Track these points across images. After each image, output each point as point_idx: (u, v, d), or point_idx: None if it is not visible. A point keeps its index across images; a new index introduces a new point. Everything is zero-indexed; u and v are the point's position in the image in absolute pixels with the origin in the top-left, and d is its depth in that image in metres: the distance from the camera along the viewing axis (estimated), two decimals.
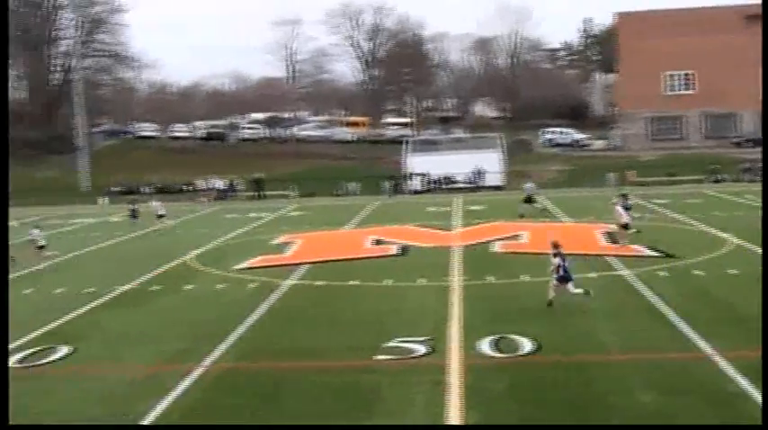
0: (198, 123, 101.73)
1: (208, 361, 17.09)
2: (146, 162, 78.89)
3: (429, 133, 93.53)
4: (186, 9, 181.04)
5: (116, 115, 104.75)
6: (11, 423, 13.23)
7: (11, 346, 18.53)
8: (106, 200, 63.15)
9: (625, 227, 30.00)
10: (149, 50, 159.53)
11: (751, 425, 13.08)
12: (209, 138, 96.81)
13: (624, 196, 34.12)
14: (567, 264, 20.49)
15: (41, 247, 32.24)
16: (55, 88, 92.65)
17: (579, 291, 20.35)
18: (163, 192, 66.69)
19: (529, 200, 42.52)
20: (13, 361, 17.51)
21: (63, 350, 18.30)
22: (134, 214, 44.26)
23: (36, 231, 32.93)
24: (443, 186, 63.76)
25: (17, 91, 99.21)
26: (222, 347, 18.06)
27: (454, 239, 33.83)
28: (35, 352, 18.21)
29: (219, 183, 65.60)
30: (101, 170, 72.84)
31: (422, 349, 17.21)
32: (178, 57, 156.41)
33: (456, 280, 24.85)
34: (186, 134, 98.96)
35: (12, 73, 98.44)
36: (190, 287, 25.76)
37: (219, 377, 16.14)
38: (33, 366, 17.27)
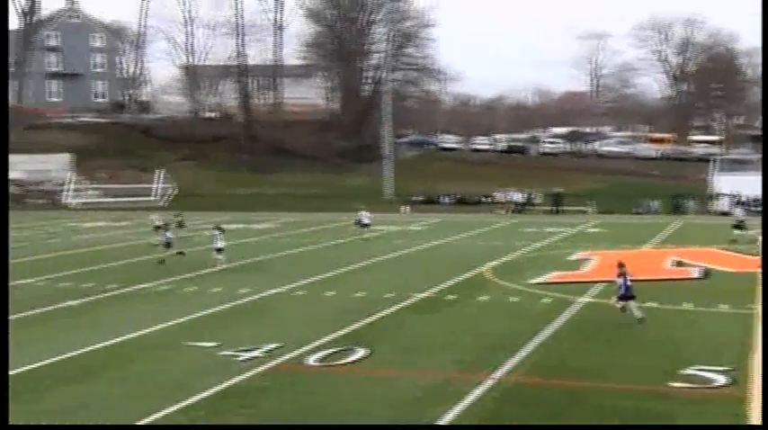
0: (499, 136, 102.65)
1: (499, 372, 17.12)
2: (446, 173, 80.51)
3: (739, 152, 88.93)
4: (492, 23, 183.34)
5: (421, 126, 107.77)
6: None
7: (313, 345, 19.52)
8: (408, 208, 65.03)
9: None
10: (455, 63, 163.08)
11: (751, 424, 13.01)
12: (510, 150, 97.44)
13: None
14: (628, 284, 21.14)
15: (220, 250, 33.60)
16: (365, 99, 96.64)
17: (639, 314, 21.22)
18: (462, 202, 67.83)
19: (739, 226, 40.67)
20: (313, 359, 18.40)
21: (360, 352, 18.97)
22: (360, 222, 45.30)
23: (217, 233, 34.22)
24: (752, 209, 60.36)
25: (331, 102, 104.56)
26: (514, 360, 18.04)
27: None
28: (334, 352, 18.99)
29: (518, 196, 65.74)
30: (404, 179, 75.07)
31: (722, 379, 16.35)
32: (482, 70, 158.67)
33: (762, 308, 23.42)
34: (487, 146, 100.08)
35: (326, 84, 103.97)
36: (484, 298, 25.98)
37: (509, 389, 16.11)
38: (332, 366, 18.02)
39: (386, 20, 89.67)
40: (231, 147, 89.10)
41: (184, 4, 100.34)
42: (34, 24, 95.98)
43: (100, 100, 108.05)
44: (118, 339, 20.59)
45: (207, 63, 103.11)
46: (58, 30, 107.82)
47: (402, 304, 25.02)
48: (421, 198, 69.39)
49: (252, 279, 30.27)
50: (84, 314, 24.50)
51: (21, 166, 78.11)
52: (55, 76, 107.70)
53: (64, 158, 79.53)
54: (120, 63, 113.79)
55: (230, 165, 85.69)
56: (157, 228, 39.41)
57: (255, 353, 18.78)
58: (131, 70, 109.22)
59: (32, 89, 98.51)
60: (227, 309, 24.76)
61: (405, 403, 15.35)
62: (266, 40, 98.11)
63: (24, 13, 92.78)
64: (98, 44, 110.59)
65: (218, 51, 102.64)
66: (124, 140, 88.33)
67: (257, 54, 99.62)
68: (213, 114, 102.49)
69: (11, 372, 17.45)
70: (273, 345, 19.46)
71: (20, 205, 73.44)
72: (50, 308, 25.18)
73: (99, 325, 22.69)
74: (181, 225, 43.82)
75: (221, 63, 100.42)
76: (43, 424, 14.45)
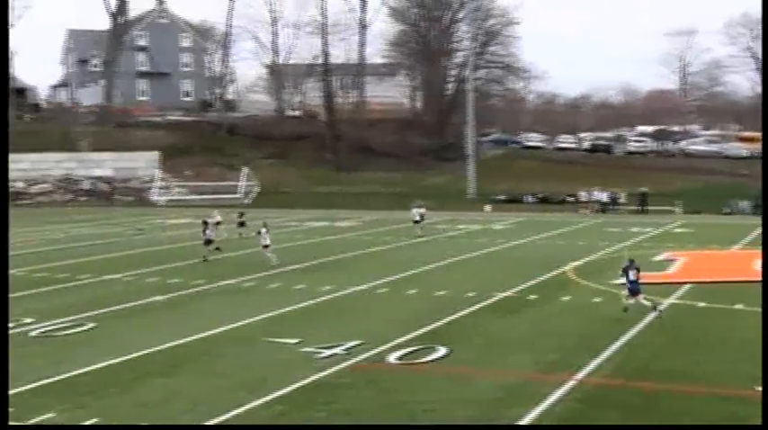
0: (583, 135, 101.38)
1: (581, 374, 16.95)
2: (530, 172, 79.88)
3: None
4: (577, 20, 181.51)
5: (504, 125, 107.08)
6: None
7: (394, 343, 19.58)
8: (490, 207, 64.68)
9: None
10: (539, 62, 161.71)
11: (751, 424, 13.07)
12: (595, 149, 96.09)
13: None
14: (633, 278, 22.72)
15: (266, 247, 34.15)
16: (448, 98, 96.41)
17: (648, 303, 22.71)
18: (545, 202, 67.23)
19: None
20: (393, 357, 18.45)
21: (441, 351, 18.96)
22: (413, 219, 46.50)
23: (263, 230, 34.70)
24: None
25: (414, 100, 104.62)
26: (596, 361, 17.85)
27: None
28: (415, 350, 19.02)
29: (602, 196, 64.88)
30: (487, 178, 74.69)
31: None
32: (567, 68, 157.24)
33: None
34: (572, 145, 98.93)
35: (410, 83, 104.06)
36: (567, 298, 25.74)
37: (591, 391, 15.95)
38: (412, 364, 18.04)
39: (469, 18, 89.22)
40: (315, 145, 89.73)
41: (270, 4, 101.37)
42: (124, 25, 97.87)
43: (187, 99, 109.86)
44: (202, 334, 20.94)
45: (291, 62, 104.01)
46: (146, 30, 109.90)
47: (483, 303, 24.93)
48: (504, 197, 68.98)
49: (334, 276, 30.47)
50: (170, 309, 24.96)
51: (109, 164, 79.92)
52: (143, 75, 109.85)
53: (151, 156, 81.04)
54: (207, 62, 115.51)
55: (313, 163, 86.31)
56: (218, 223, 40.39)
57: (336, 351, 18.91)
58: (218, 69, 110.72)
59: (121, 88, 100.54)
60: (309, 306, 24.97)
61: (485, 402, 15.30)
62: (350, 38, 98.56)
63: (114, 14, 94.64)
64: (185, 44, 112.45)
65: (303, 50, 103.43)
66: (210, 138, 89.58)
67: (341, 53, 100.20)
68: (297, 113, 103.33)
69: (100, 365, 17.93)
70: (354, 343, 19.57)
71: (108, 202, 75.16)
72: (138, 303, 25.69)
73: (184, 320, 23.11)
74: (242, 224, 44.39)
75: (305, 62, 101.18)
76: (46, 424, 14.59)
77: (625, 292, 23.28)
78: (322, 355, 18.60)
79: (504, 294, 26.34)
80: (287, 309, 24.42)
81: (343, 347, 19.19)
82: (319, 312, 24.23)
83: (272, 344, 19.86)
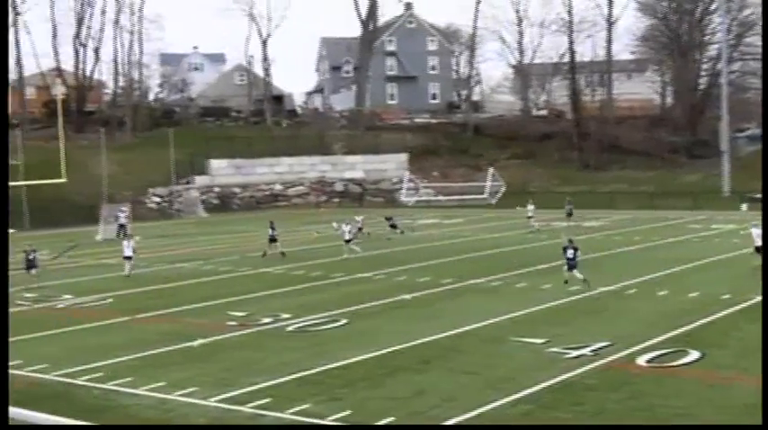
0: None
1: None
2: None
3: None
4: None
5: (762, 120, 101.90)
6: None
7: (644, 345, 19.22)
8: (746, 206, 61.76)
9: (758, 250, 30.18)
10: None
11: (751, 424, 13.06)
12: None
13: None
14: (574, 255, 27.89)
15: (348, 241, 37.79)
16: (700, 93, 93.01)
17: (580, 276, 27.47)
18: None
19: None
20: (643, 359, 18.11)
21: (693, 354, 18.42)
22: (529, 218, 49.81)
23: (346, 227, 38.06)
24: None
25: (664, 97, 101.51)
26: None
27: None
28: (665, 353, 18.58)
29: None
30: (743, 176, 71.42)
31: None
32: None
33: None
34: None
35: (659, 79, 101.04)
36: None
37: None
38: (662, 367, 17.65)
39: (723, 9, 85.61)
40: (561, 144, 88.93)
41: (516, 4, 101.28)
42: (373, 31, 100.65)
43: (433, 101, 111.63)
44: (450, 332, 21.34)
45: (537, 61, 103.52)
46: (395, 35, 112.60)
47: (739, 306, 23.95)
48: (762, 195, 65.69)
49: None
50: (419, 307, 25.56)
51: (360, 166, 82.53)
52: (392, 79, 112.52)
53: (400, 158, 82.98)
54: (454, 64, 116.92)
55: (560, 162, 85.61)
56: (360, 229, 41.74)
57: (584, 351, 18.78)
58: (464, 71, 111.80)
59: (371, 93, 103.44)
60: (557, 306, 24.88)
61: (739, 409, 14.75)
62: (596, 35, 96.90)
63: (364, 21, 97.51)
64: (432, 47, 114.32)
65: (548, 49, 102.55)
66: (456, 140, 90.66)
67: (587, 50, 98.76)
68: (543, 112, 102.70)
69: (353, 360, 18.67)
70: (603, 344, 19.37)
71: (357, 202, 77.61)
72: (387, 300, 26.49)
73: (432, 317, 23.63)
74: (394, 227, 47.61)
75: (551, 61, 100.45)
76: (47, 424, 14.54)
77: (565, 268, 28.10)
78: (569, 356, 18.52)
79: (760, 298, 25.17)
80: (534, 308, 24.47)
81: (591, 348, 19.03)
82: (567, 312, 24.09)
83: (520, 344, 19.97)
